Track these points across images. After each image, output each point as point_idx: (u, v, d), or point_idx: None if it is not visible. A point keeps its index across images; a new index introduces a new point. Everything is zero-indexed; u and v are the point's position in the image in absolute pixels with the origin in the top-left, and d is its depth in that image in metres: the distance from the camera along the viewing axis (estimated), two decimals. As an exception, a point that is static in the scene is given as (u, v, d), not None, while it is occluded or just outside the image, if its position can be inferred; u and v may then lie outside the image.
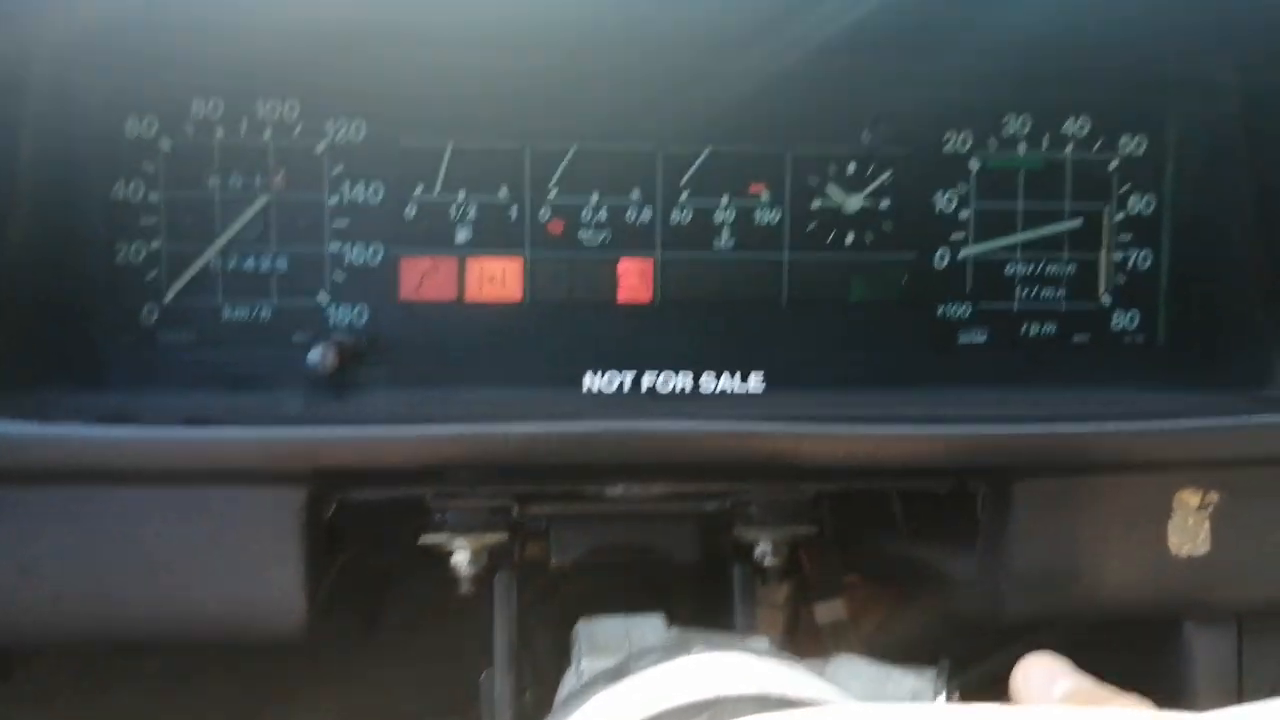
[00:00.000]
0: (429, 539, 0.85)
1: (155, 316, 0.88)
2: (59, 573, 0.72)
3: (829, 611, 1.06)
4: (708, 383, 0.85)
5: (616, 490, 0.80)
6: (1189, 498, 0.80)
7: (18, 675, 1.19)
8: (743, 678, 0.47)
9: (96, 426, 0.69)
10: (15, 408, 0.72)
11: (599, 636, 0.70)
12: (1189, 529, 0.81)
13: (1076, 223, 0.93)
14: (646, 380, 0.85)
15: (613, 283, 0.90)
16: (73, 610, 0.73)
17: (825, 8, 0.79)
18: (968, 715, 0.34)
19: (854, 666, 0.66)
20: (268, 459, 0.70)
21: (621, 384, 0.84)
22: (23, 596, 0.72)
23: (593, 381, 0.84)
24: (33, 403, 0.73)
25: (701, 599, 1.14)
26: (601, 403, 0.83)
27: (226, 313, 0.88)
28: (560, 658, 0.82)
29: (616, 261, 0.90)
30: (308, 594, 0.73)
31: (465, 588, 0.85)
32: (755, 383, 0.86)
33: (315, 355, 0.79)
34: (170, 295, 0.88)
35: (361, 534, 0.90)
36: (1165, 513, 0.80)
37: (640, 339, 0.88)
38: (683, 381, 0.85)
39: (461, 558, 0.85)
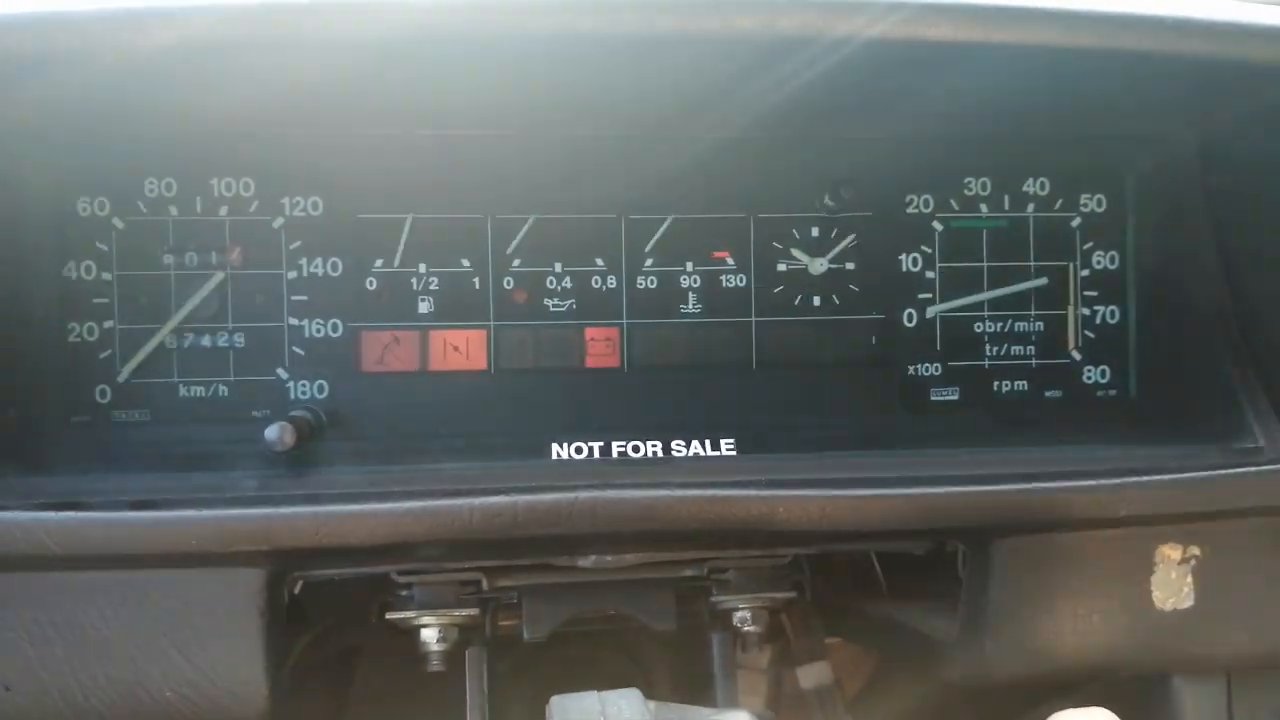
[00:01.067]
0: (395, 616, 0.81)
1: (109, 397, 0.85)
2: (6, 663, 0.69)
3: (813, 675, 1.03)
4: (679, 449, 0.84)
5: (588, 561, 0.77)
6: (1170, 552, 0.79)
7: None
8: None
9: (42, 514, 0.66)
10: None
11: (573, 713, 0.67)
12: (1172, 583, 0.79)
13: (1042, 281, 0.94)
14: (616, 447, 0.83)
15: (579, 350, 0.89)
16: (23, 701, 0.69)
17: (775, 74, 0.79)
18: None
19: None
20: (222, 541, 0.67)
21: (591, 451, 0.82)
22: (-37, 692, 0.68)
23: (561, 450, 0.82)
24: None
25: (680, 667, 1.10)
26: (570, 471, 0.81)
27: (183, 390, 0.86)
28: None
29: (582, 329, 0.89)
30: (269, 677, 0.70)
31: (435, 664, 0.81)
32: (727, 448, 0.84)
33: (273, 433, 0.76)
34: (124, 374, 0.86)
35: (327, 609, 0.86)
36: (1148, 567, 0.79)
37: (609, 406, 0.87)
38: (653, 448, 0.83)
39: (430, 634, 0.82)
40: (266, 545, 0.67)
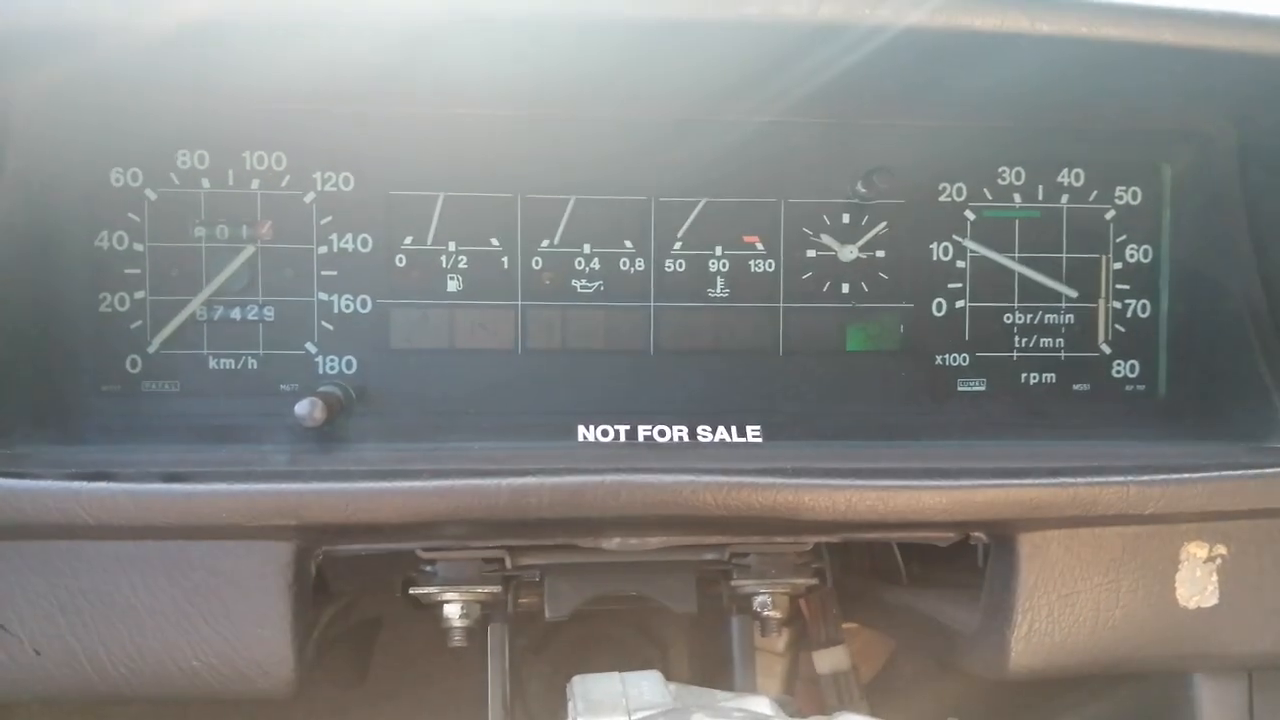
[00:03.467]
0: (419, 591, 0.82)
1: (139, 367, 0.86)
2: (38, 628, 0.70)
3: (829, 660, 1.03)
4: (704, 434, 0.84)
5: (612, 544, 0.78)
6: (1197, 550, 0.79)
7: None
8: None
9: (73, 483, 0.66)
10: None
11: (595, 694, 0.67)
12: (1197, 581, 0.79)
13: (1071, 295, 0.93)
14: (642, 431, 0.83)
15: (606, 332, 0.89)
16: (52, 665, 0.70)
17: (813, 61, 0.79)
18: None
19: (854, 727, 0.64)
20: (252, 515, 0.67)
21: (617, 435, 0.83)
22: (1, 652, 0.69)
23: (587, 432, 0.83)
24: (9, 457, 0.71)
25: (699, 649, 1.11)
26: (596, 454, 0.81)
27: (212, 363, 0.87)
28: (554, 708, 0.79)
29: (610, 311, 0.89)
30: (295, 649, 0.71)
31: (457, 639, 0.82)
32: (753, 435, 0.84)
33: (303, 408, 0.77)
34: (154, 345, 0.86)
35: (351, 583, 0.87)
36: (1173, 565, 0.79)
37: (635, 389, 0.87)
38: (679, 433, 0.83)
39: (453, 610, 0.82)
40: (296, 520, 0.67)
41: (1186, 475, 0.75)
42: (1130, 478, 0.74)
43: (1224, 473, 0.76)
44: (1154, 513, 0.75)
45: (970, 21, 0.63)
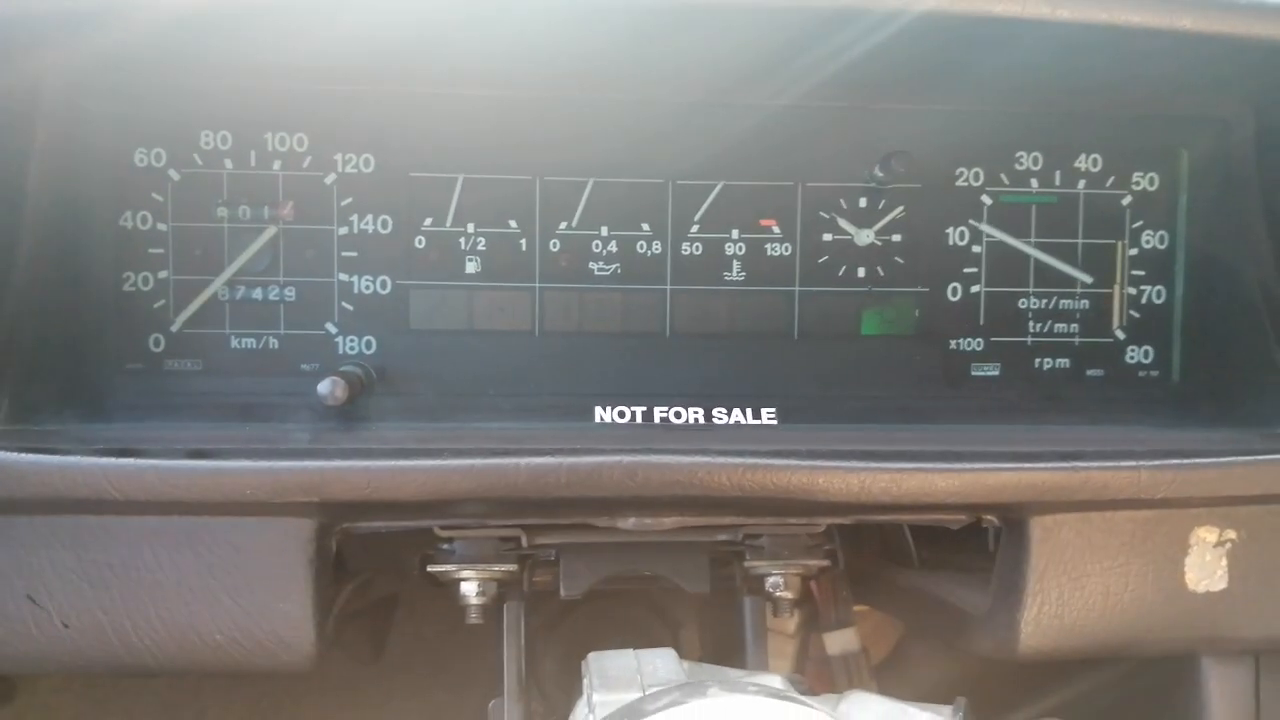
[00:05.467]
0: (436, 569, 0.83)
1: (162, 346, 0.87)
2: (67, 601, 0.71)
3: (840, 642, 1.05)
4: (720, 416, 0.85)
5: (628, 523, 0.79)
6: (1207, 534, 0.79)
7: (20, 699, 1.17)
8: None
9: (101, 459, 0.68)
10: (24, 438, 0.71)
11: (610, 670, 0.68)
12: (1207, 565, 0.80)
13: (1087, 281, 0.93)
14: (659, 412, 0.84)
15: (623, 315, 0.90)
16: (80, 638, 0.72)
17: (832, 45, 0.79)
18: None
19: (868, 703, 0.65)
20: (275, 491, 0.68)
21: (634, 416, 0.84)
22: (30, 624, 0.71)
23: (604, 413, 0.84)
24: (38, 434, 0.73)
25: (711, 631, 1.12)
26: (613, 435, 0.82)
27: (234, 342, 0.88)
28: (567, 685, 0.81)
29: (626, 294, 0.90)
30: (315, 624, 0.72)
31: (474, 617, 0.84)
32: (768, 416, 0.85)
33: (325, 387, 0.78)
34: (177, 324, 0.87)
35: (369, 561, 0.88)
36: (1183, 549, 0.79)
37: (652, 371, 0.88)
38: (694, 414, 0.84)
39: (470, 587, 0.83)
40: (318, 497, 0.69)
41: (1198, 460, 0.76)
42: (1142, 463, 0.74)
43: (1235, 458, 0.76)
44: (1165, 497, 0.75)
45: (989, 8, 0.63)
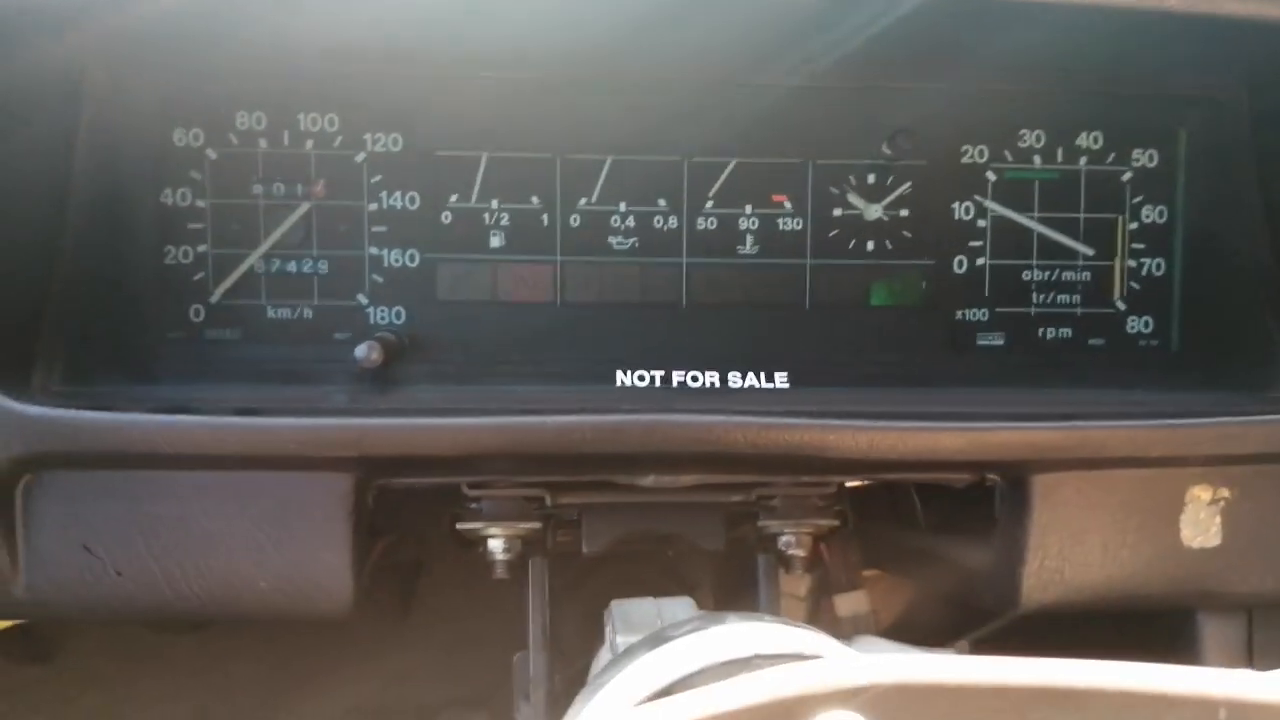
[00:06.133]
0: (465, 526, 0.87)
1: (202, 316, 0.92)
2: (120, 551, 0.76)
3: (850, 604, 1.09)
4: (735, 380, 0.89)
5: (648, 481, 0.83)
6: (1201, 493, 0.83)
7: (58, 659, 1.22)
8: (778, 640, 0.50)
9: (155, 415, 0.72)
10: (79, 399, 0.75)
11: (632, 616, 0.73)
12: (1201, 522, 0.83)
13: (1088, 254, 0.96)
14: (676, 377, 0.88)
15: (641, 287, 0.94)
16: (132, 586, 0.76)
17: (842, 27, 0.83)
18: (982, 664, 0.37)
19: (874, 644, 0.69)
20: (317, 447, 0.73)
21: (653, 380, 0.88)
22: (87, 573, 0.76)
23: (625, 378, 0.88)
24: (92, 395, 0.77)
25: (726, 592, 1.16)
26: (634, 397, 0.86)
27: (270, 313, 0.92)
28: (586, 643, 0.85)
29: (644, 267, 0.94)
30: (353, 574, 0.77)
31: (499, 573, 0.88)
32: (780, 381, 0.89)
33: (362, 350, 0.82)
34: (216, 295, 0.92)
35: (398, 521, 0.93)
36: (1178, 507, 0.83)
37: (669, 339, 0.92)
38: (711, 379, 0.88)
39: (497, 544, 0.87)
40: (357, 452, 0.73)
41: (1192, 420, 0.79)
42: (1138, 422, 0.78)
43: (1228, 419, 0.80)
44: (1160, 456, 0.79)
45: None
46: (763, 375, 0.89)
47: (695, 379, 0.88)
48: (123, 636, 1.21)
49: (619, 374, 0.88)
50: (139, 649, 1.21)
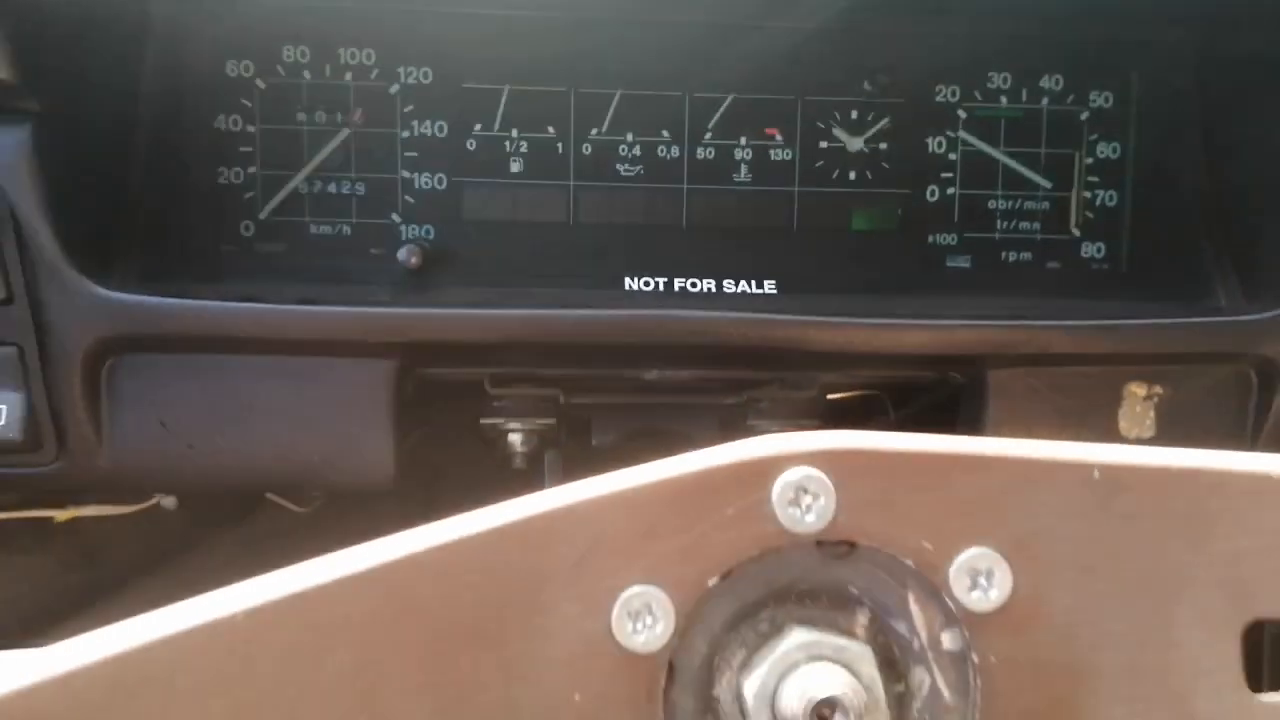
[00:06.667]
0: (488, 421, 0.99)
1: (252, 231, 1.02)
2: (192, 426, 0.87)
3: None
4: (729, 286, 1.00)
5: (651, 374, 0.94)
6: (1137, 389, 0.94)
7: (100, 562, 1.32)
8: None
9: (226, 303, 0.83)
10: (159, 289, 0.86)
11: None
12: (1137, 416, 0.95)
13: (1047, 185, 1.07)
14: (678, 283, 0.99)
15: (645, 209, 1.04)
16: (201, 458, 0.87)
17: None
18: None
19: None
20: (366, 332, 0.84)
21: (657, 285, 0.99)
22: (162, 446, 0.87)
23: (632, 283, 0.99)
24: (169, 289, 0.88)
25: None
26: (640, 299, 0.97)
27: (313, 229, 1.03)
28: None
29: (649, 191, 1.04)
30: (395, 450, 0.88)
31: (518, 463, 0.99)
32: (769, 288, 1.00)
33: (403, 253, 0.93)
34: (264, 213, 1.02)
35: (429, 418, 1.04)
36: (1117, 402, 0.94)
37: (672, 252, 1.03)
38: (708, 285, 0.99)
39: (515, 438, 0.99)
40: (403, 339, 0.84)
41: (1128, 322, 0.91)
42: (1081, 321, 0.89)
43: (1160, 320, 0.91)
44: (1100, 353, 0.90)
45: None
46: (754, 283, 1.00)
47: (694, 285, 1.00)
48: (163, 533, 1.32)
49: (627, 280, 0.99)
50: (180, 544, 1.32)
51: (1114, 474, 0.49)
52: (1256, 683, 0.50)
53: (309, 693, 0.41)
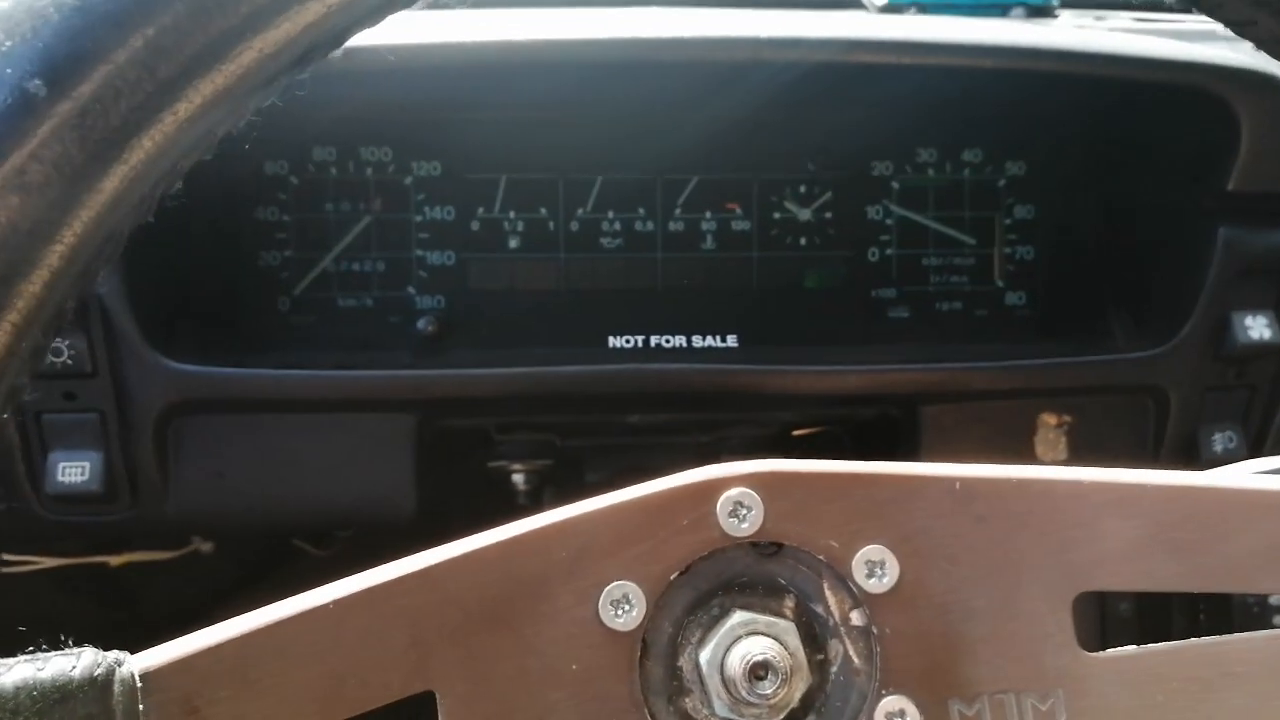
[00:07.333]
0: (495, 464, 1.14)
1: (287, 306, 1.18)
2: (244, 476, 1.02)
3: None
4: (698, 341, 1.16)
5: (634, 419, 1.10)
6: (1049, 419, 1.10)
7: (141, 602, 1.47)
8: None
9: (276, 370, 0.99)
10: (215, 359, 1.02)
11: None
12: (1050, 442, 1.11)
13: (972, 244, 1.24)
14: (654, 340, 1.15)
15: (626, 276, 1.21)
16: (252, 503, 1.03)
17: (767, 75, 1.10)
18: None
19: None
20: (391, 393, 1.00)
21: (636, 341, 1.15)
22: (218, 495, 1.02)
23: (615, 340, 1.15)
24: (223, 359, 1.04)
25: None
26: (622, 355, 1.13)
27: (340, 302, 1.19)
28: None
29: (629, 260, 1.21)
30: (416, 492, 1.03)
31: (521, 500, 1.15)
32: (732, 341, 1.16)
33: (421, 323, 1.10)
34: (298, 290, 1.18)
35: (442, 462, 1.19)
36: (1032, 430, 1.10)
37: (648, 312, 1.19)
38: (680, 341, 1.15)
39: (519, 478, 1.14)
40: (422, 396, 1.00)
41: (1037, 361, 1.07)
42: (995, 363, 1.06)
43: (1064, 359, 1.08)
44: (1013, 389, 1.06)
45: (850, 58, 0.95)
46: (719, 337, 1.16)
47: (668, 340, 1.15)
48: (207, 574, 1.47)
49: (610, 338, 1.15)
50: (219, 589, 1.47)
51: (971, 485, 0.64)
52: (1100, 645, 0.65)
53: (378, 664, 0.57)
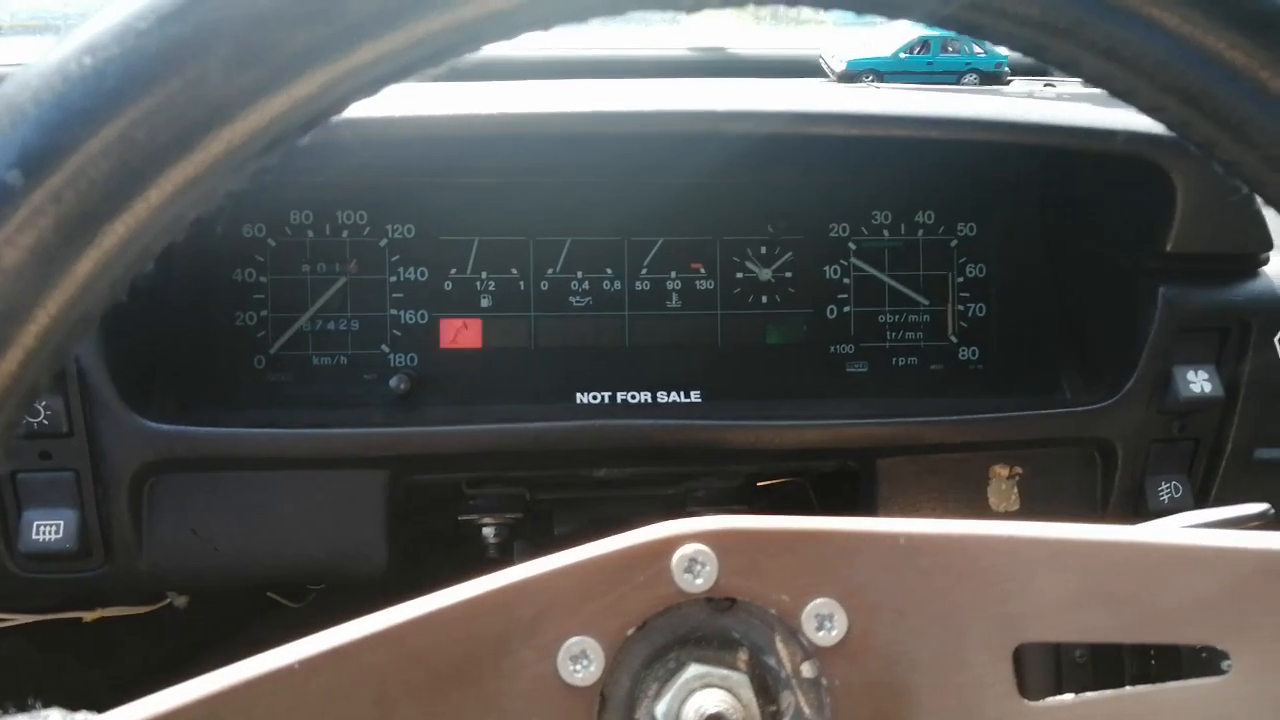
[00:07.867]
0: (465, 518, 1.17)
1: (264, 364, 1.21)
2: (218, 532, 1.04)
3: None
4: (662, 397, 1.20)
5: (601, 473, 1.13)
6: (1000, 470, 1.15)
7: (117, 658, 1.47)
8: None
9: (252, 429, 1.02)
10: (191, 418, 1.05)
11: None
12: (1003, 493, 1.15)
13: (926, 302, 1.29)
14: (620, 396, 1.19)
15: (594, 334, 1.25)
16: (226, 559, 1.04)
17: (728, 142, 1.15)
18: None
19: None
20: (364, 449, 1.02)
21: (603, 398, 1.19)
22: (192, 551, 1.04)
23: (583, 397, 1.19)
24: (198, 419, 1.06)
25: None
26: (589, 411, 1.17)
27: (315, 360, 1.22)
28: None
29: (597, 319, 1.25)
30: (388, 546, 1.06)
31: (492, 553, 1.17)
32: (695, 397, 1.20)
33: (394, 381, 1.13)
34: (274, 349, 1.21)
35: (413, 516, 1.22)
36: (984, 480, 1.14)
37: (615, 369, 1.22)
38: (645, 397, 1.19)
39: (489, 531, 1.17)
40: (394, 453, 1.03)
41: (987, 415, 1.11)
42: (947, 417, 1.10)
43: (1014, 413, 1.12)
44: (965, 442, 1.11)
45: (803, 129, 1.01)
46: (683, 393, 1.20)
47: (634, 396, 1.19)
48: (182, 629, 1.48)
49: (578, 394, 1.18)
50: (195, 641, 1.48)
51: (914, 541, 0.68)
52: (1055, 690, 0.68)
53: None
